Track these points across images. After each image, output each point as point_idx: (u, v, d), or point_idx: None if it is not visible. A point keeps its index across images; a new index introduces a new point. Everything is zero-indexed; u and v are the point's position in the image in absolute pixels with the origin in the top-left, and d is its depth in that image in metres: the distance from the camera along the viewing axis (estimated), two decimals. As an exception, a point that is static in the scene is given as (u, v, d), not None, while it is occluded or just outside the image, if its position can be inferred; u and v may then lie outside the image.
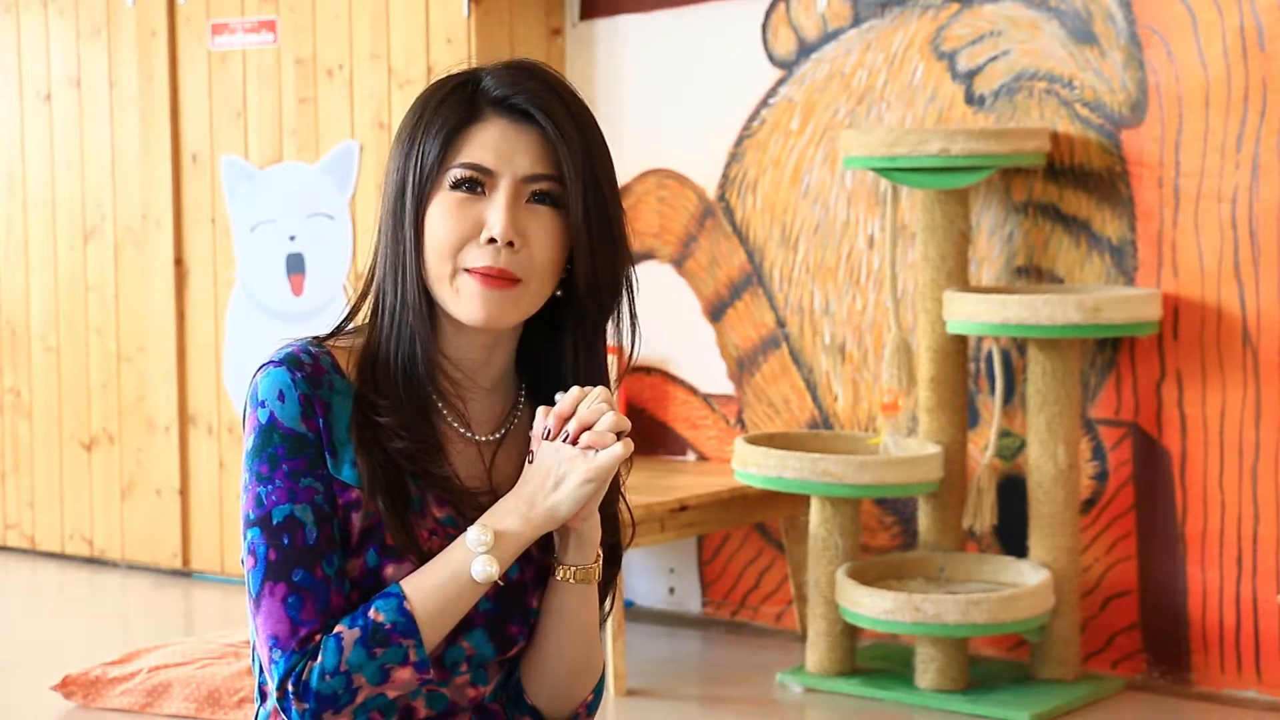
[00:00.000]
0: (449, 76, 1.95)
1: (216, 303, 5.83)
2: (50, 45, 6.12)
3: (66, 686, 4.49)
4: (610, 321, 1.98)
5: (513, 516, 1.88)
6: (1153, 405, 4.62)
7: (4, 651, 5.08)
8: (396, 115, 5.34)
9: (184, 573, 5.97)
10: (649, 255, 5.39)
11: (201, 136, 5.82)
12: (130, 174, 5.96)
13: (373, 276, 1.96)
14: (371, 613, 1.84)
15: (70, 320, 6.14)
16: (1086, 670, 4.66)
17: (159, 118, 5.88)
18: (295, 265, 5.67)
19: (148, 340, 5.96)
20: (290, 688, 1.83)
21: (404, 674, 1.84)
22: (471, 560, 1.85)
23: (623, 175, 5.46)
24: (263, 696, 1.96)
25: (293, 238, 5.67)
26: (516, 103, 1.90)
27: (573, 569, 1.93)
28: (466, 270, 1.88)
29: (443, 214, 1.89)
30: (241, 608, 5.26)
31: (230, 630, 4.96)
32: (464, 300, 1.89)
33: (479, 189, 1.89)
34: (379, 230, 1.95)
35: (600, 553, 1.95)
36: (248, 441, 1.89)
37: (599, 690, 2.05)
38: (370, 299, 1.96)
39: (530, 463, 1.91)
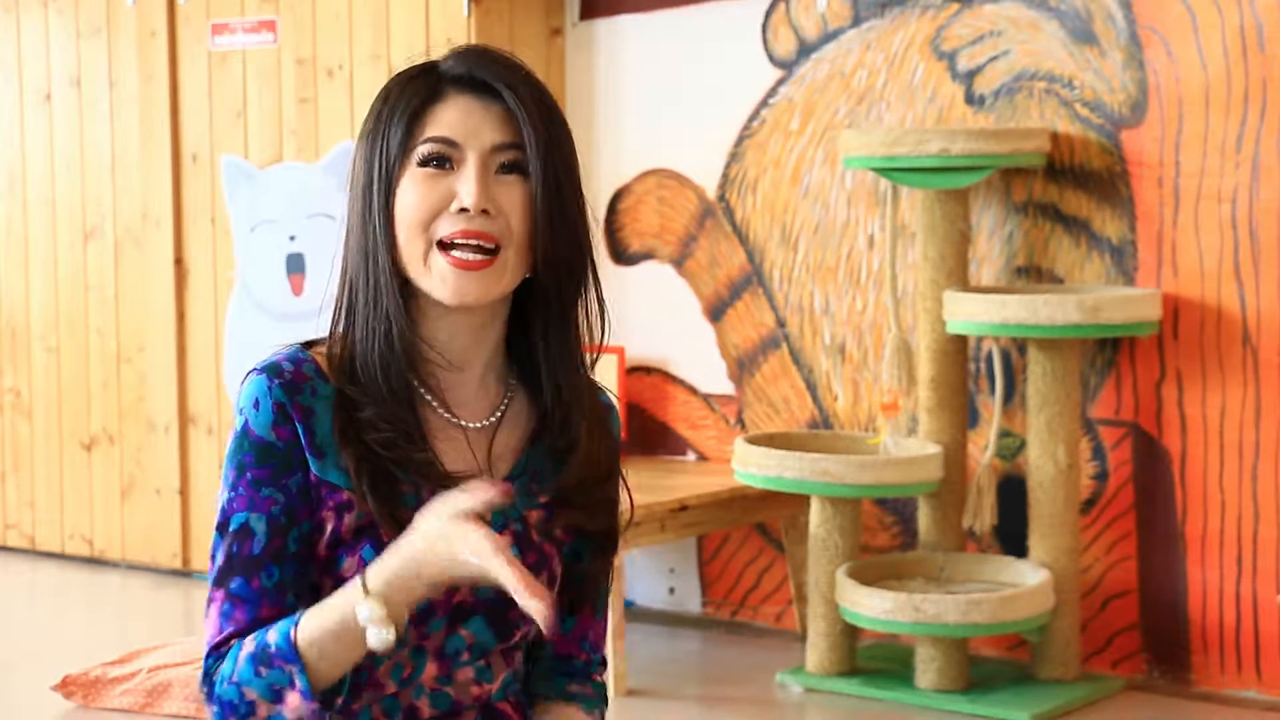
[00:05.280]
0: (408, 68, 1.96)
1: (216, 303, 5.83)
2: (50, 45, 6.12)
3: (66, 686, 4.49)
4: (581, 309, 1.95)
5: (407, 585, 1.79)
6: (1153, 405, 4.61)
7: (4, 651, 5.08)
8: (396, 115, 5.33)
9: (184, 573, 5.97)
10: (649, 255, 5.39)
11: (201, 136, 5.82)
12: (130, 174, 5.96)
13: (346, 273, 1.95)
14: (270, 632, 1.83)
15: (70, 320, 6.14)
16: (1086, 670, 4.66)
17: (159, 118, 5.88)
18: (295, 265, 5.67)
19: (148, 340, 5.96)
20: (204, 689, 1.87)
21: (293, 698, 1.82)
22: (364, 628, 1.79)
23: (623, 175, 5.46)
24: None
25: (293, 238, 5.67)
26: (478, 76, 1.90)
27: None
28: (440, 243, 1.88)
29: (412, 189, 1.89)
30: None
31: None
32: (438, 280, 1.88)
33: (447, 164, 1.89)
34: (347, 225, 1.95)
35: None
36: (227, 447, 1.92)
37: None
38: (345, 296, 1.94)
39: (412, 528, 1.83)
